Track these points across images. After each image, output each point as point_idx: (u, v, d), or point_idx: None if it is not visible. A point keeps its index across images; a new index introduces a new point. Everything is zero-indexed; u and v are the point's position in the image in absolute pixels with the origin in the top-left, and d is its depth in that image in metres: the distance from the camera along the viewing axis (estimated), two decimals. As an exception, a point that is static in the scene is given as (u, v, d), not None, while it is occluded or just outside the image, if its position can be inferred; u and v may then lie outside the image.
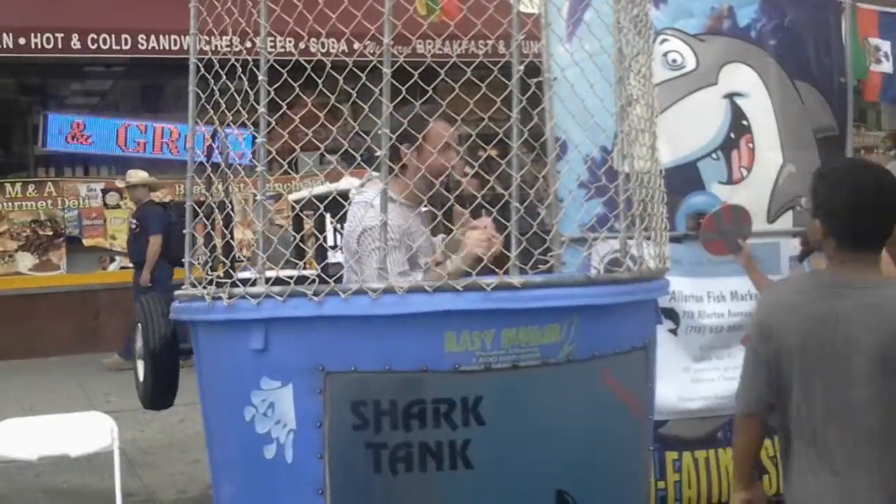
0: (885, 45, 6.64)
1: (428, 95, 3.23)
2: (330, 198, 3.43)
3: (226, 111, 3.19)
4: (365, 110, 3.21)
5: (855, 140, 5.72)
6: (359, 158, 3.43)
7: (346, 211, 3.64)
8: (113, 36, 11.01)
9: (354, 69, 3.05)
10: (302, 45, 3.43)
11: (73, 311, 11.39)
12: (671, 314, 5.09)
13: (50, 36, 10.83)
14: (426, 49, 10.18)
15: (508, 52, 3.00)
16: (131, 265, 10.94)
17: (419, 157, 3.49)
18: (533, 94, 3.07)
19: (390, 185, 3.34)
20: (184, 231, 3.21)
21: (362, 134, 3.43)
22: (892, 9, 6.83)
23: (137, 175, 10.84)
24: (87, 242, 12.10)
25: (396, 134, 3.07)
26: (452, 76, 3.08)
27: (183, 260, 3.22)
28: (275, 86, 2.99)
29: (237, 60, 3.14)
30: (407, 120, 3.22)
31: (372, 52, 3.11)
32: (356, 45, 3.81)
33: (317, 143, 3.30)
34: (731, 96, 5.41)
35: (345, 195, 3.60)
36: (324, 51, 3.45)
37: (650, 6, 4.17)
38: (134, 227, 10.80)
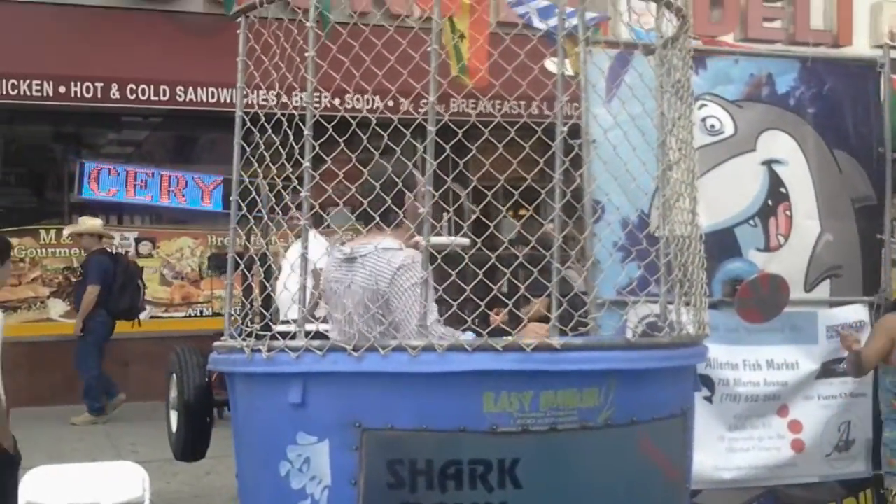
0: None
1: (472, 155, 3.23)
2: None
3: (270, 164, 3.21)
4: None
5: (893, 211, 5.68)
6: (400, 214, 3.43)
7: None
8: (151, 87, 11.13)
9: (400, 126, 3.07)
10: (336, 101, 3.44)
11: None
12: (707, 381, 5.03)
13: (89, 85, 10.95)
14: (459, 108, 10.26)
15: (553, 113, 3.00)
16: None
17: (412, 207, 3.50)
18: (572, 156, 3.07)
19: (394, 237, 3.38)
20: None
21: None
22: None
23: (85, 223, 10.77)
24: (117, 291, 12.11)
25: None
26: (484, 135, 3.08)
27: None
28: (319, 140, 3.01)
29: (283, 115, 3.16)
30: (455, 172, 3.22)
31: (406, 110, 3.13)
32: (377, 103, 3.83)
33: (360, 198, 3.31)
34: (769, 163, 5.41)
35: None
36: (349, 107, 3.48)
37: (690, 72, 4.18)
38: (79, 274, 10.78)
